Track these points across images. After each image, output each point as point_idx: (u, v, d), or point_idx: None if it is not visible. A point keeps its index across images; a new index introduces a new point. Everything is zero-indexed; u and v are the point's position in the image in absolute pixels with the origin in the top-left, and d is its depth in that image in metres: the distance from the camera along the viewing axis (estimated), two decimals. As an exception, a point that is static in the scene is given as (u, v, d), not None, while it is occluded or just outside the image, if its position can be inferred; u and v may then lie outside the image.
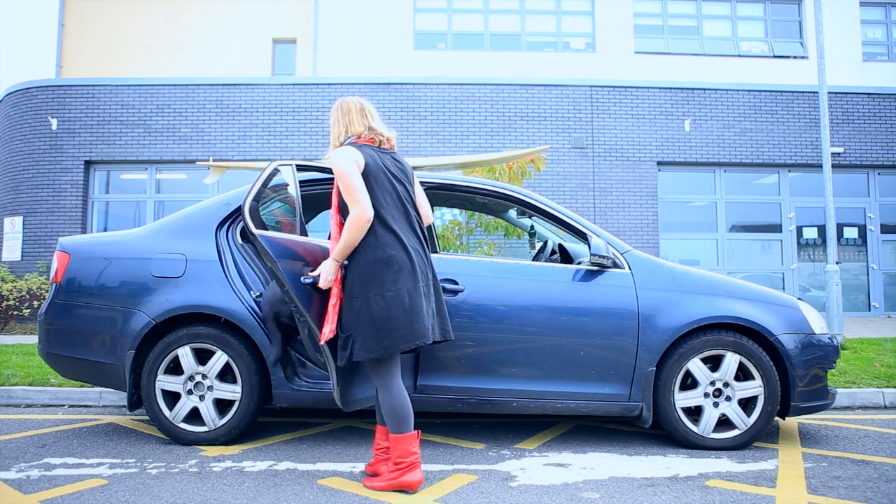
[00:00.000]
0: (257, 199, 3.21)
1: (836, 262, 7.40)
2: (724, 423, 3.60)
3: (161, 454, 3.45)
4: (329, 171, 3.62)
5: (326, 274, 2.84)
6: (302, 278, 2.88)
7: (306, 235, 3.35)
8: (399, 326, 2.74)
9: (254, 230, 2.94)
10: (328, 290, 2.89)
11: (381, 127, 3.04)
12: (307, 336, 3.16)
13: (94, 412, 4.63)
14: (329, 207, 5.00)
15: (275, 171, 3.42)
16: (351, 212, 2.80)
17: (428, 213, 3.11)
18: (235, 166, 5.10)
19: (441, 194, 4.64)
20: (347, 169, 2.81)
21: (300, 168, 3.67)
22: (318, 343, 2.91)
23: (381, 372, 2.84)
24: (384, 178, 2.89)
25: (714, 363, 3.61)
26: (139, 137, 10.90)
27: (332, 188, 3.16)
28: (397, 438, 2.81)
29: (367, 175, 2.85)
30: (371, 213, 2.79)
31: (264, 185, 3.29)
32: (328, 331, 2.82)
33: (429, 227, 4.18)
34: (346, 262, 2.86)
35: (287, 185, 3.73)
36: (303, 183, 3.89)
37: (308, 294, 2.88)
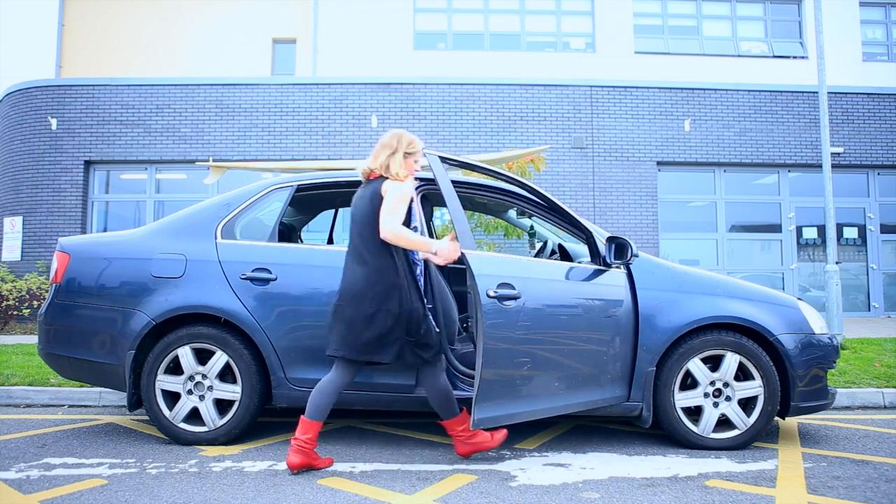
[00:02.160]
0: (239, 216, 3.81)
1: (836, 262, 7.40)
2: (723, 423, 3.60)
3: (161, 454, 3.45)
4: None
5: None
6: None
7: (276, 241, 3.79)
8: None
9: (219, 240, 3.71)
10: None
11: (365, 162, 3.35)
12: None
13: (93, 412, 4.63)
14: (325, 209, 5.03)
15: (267, 193, 3.91)
16: None
17: (382, 227, 3.11)
18: (235, 166, 5.10)
19: (440, 194, 4.63)
20: None
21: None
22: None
23: None
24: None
25: (714, 363, 3.61)
26: (139, 137, 10.90)
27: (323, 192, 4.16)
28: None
29: None
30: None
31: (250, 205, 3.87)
32: None
33: (429, 228, 4.18)
34: None
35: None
36: (310, 187, 4.06)
37: None
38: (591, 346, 3.40)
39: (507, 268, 3.25)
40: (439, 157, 3.47)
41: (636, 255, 3.49)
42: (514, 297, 3.16)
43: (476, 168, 3.64)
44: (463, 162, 3.70)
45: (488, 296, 3.10)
